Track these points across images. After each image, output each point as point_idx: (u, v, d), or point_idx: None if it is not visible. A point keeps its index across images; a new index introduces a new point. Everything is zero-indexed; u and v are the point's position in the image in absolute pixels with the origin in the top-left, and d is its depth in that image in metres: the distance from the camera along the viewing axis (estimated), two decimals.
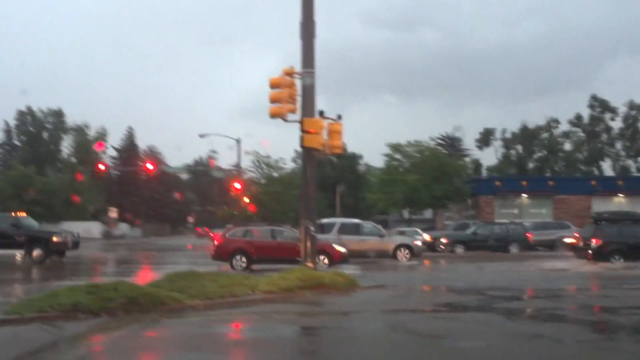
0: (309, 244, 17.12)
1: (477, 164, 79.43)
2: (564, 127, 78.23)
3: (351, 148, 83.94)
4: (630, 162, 76.62)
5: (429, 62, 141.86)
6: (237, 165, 55.80)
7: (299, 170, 25.80)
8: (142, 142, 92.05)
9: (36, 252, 25.89)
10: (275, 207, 56.51)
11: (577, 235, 36.82)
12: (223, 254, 23.05)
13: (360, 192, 77.32)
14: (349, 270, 21.45)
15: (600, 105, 76.27)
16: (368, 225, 29.52)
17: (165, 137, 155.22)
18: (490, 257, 30.73)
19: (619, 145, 76.61)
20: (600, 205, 49.44)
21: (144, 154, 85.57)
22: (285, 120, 17.13)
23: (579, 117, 77.48)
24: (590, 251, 23.72)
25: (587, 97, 77.77)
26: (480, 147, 79.30)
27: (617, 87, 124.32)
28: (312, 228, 17.21)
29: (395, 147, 53.21)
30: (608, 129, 76.51)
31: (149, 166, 50.93)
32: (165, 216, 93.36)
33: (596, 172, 75.14)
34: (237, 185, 51.03)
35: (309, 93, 17.30)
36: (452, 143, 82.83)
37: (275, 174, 57.93)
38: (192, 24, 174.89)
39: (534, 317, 11.58)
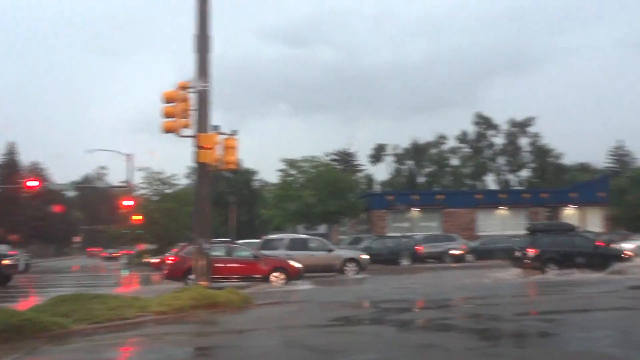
0: (202, 262, 16.79)
1: (370, 179, 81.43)
2: (451, 143, 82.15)
3: (246, 164, 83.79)
4: (511, 177, 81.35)
5: (324, 78, 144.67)
6: (128, 182, 54.05)
7: (193, 187, 25.27)
8: (26, 158, 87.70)
9: None
10: (169, 225, 55.08)
11: (465, 247, 38.72)
12: (176, 272, 22.30)
13: (255, 208, 77.07)
14: (305, 286, 21.66)
15: (484, 123, 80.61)
16: (316, 240, 29.54)
17: (51, 153, 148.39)
18: (401, 270, 31.46)
19: (501, 160, 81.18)
20: (485, 218, 52.12)
21: (26, 171, 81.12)
22: (179, 135, 16.78)
23: (464, 134, 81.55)
24: (527, 260, 24.80)
25: (472, 115, 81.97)
26: (373, 162, 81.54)
27: (499, 105, 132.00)
28: (206, 246, 16.91)
29: (290, 163, 53.43)
30: (491, 145, 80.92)
31: (32, 183, 48.17)
32: (50, 236, 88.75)
33: (481, 186, 79.09)
34: (128, 203, 49.37)
35: (203, 108, 17.05)
36: (346, 158, 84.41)
37: (168, 191, 56.50)
38: (83, 35, 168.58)
39: (425, 327, 11.88)
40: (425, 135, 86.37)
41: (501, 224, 51.78)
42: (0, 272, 24.67)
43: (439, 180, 79.77)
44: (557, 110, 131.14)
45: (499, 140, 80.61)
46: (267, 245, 27.29)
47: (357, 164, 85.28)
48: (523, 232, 49.41)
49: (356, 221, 55.25)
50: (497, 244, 39.18)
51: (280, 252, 26.03)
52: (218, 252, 22.72)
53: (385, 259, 34.62)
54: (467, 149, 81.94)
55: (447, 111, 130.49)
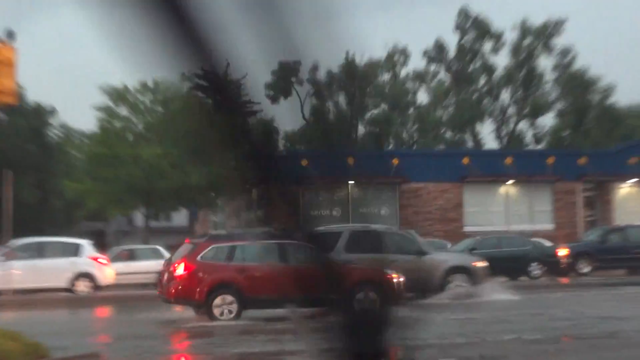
0: None
1: (268, 127, 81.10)
2: (416, 62, 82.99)
3: (34, 95, 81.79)
4: (523, 126, 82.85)
5: None
6: None
7: None
8: None
9: None
10: None
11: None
12: (195, 292, 23.37)
13: (52, 179, 75.77)
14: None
15: (475, 27, 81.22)
16: (397, 234, 31.82)
17: None
18: None
19: (505, 96, 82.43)
20: (477, 200, 53.18)
21: None
22: None
23: (440, 47, 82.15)
24: None
25: (453, 14, 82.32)
26: (274, 97, 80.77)
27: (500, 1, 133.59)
28: None
29: (118, 95, 52.65)
30: (488, 69, 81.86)
31: None
32: None
33: (470, 142, 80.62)
34: None
35: None
36: (222, 87, 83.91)
37: None
38: None
39: None
40: (370, 50, 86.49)
41: (506, 210, 53.06)
42: None
43: (394, 130, 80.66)
44: (603, 12, 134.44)
45: (501, 61, 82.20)
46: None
47: (245, 100, 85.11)
48: (549, 226, 51.51)
49: (241, 204, 55.23)
50: (501, 248, 40.12)
51: (335, 255, 26.20)
52: (265, 255, 24.96)
53: None
54: (443, 75, 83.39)
55: (409, 9, 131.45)
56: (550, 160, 55.71)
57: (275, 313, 22.92)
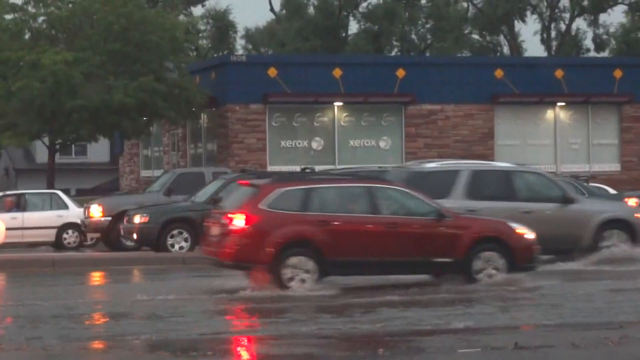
0: None
1: (227, 26, 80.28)
2: None
3: None
4: (580, 25, 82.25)
5: None
6: None
7: None
8: None
9: None
10: None
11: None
12: (259, 251, 24.08)
13: None
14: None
15: None
16: (534, 175, 33.03)
17: None
18: None
19: None
20: (511, 127, 52.34)
21: None
22: None
23: None
24: None
25: None
26: None
27: None
28: None
29: None
30: None
31: None
32: None
33: (506, 47, 79.78)
34: None
35: None
36: None
37: None
38: None
39: None
40: None
41: (555, 144, 52.41)
42: None
43: (400, 29, 79.73)
44: None
45: None
46: (411, 184, 27.99)
47: None
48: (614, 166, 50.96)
49: (187, 130, 54.41)
50: None
51: (453, 202, 28.25)
52: (351, 202, 26.14)
53: None
54: None
55: None
56: (618, 74, 54.95)
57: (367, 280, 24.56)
